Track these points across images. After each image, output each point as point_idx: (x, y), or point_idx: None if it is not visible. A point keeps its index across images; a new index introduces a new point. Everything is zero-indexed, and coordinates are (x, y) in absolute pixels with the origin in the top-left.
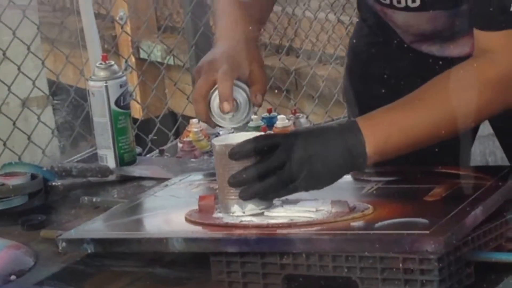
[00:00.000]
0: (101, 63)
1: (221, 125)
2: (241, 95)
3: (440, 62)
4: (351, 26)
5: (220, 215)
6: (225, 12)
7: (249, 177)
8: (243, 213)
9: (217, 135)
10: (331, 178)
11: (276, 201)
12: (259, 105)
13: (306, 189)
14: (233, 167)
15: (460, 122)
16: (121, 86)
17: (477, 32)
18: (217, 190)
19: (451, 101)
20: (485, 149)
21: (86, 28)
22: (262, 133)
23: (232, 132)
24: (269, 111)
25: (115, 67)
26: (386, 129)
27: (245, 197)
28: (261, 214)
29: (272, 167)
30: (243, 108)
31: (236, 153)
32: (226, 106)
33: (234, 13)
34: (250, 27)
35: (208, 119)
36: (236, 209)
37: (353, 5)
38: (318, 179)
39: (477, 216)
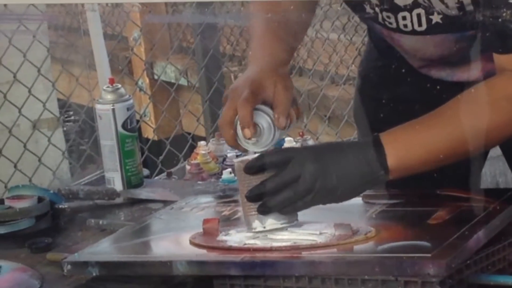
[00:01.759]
0: (108, 86)
1: (247, 149)
2: (264, 120)
3: (450, 87)
4: (363, 47)
5: (225, 238)
6: (256, 36)
7: (263, 191)
8: (263, 228)
9: (225, 158)
10: (350, 191)
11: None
12: (283, 128)
13: (323, 202)
14: (251, 182)
15: (483, 138)
16: (128, 109)
17: (495, 56)
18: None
19: (474, 117)
20: (495, 170)
21: (95, 49)
22: None
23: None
24: None
25: (122, 90)
26: (408, 143)
27: (263, 211)
28: (265, 236)
29: (285, 180)
30: (266, 132)
31: (250, 167)
32: (247, 132)
33: (264, 37)
34: (279, 50)
35: (235, 144)
36: (257, 224)
37: (365, 26)
38: (334, 192)
39: (479, 239)
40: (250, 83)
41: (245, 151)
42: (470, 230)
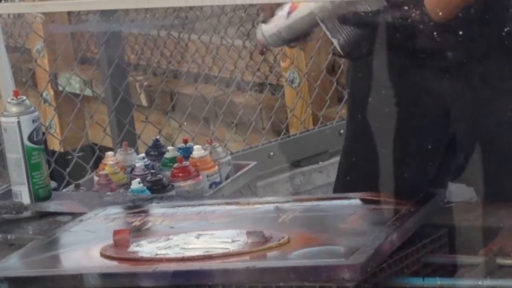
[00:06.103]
0: (12, 99)
1: None
2: None
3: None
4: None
5: (136, 249)
6: None
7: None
8: None
9: (133, 168)
10: None
11: (192, 233)
12: None
13: None
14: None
15: None
16: (33, 121)
17: None
18: None
19: None
20: None
21: None
22: None
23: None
24: (185, 141)
25: (27, 102)
26: None
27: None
28: (177, 246)
29: None
30: None
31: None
32: None
33: None
34: None
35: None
36: None
37: None
38: None
39: (393, 242)
40: None
41: None
42: (384, 233)
